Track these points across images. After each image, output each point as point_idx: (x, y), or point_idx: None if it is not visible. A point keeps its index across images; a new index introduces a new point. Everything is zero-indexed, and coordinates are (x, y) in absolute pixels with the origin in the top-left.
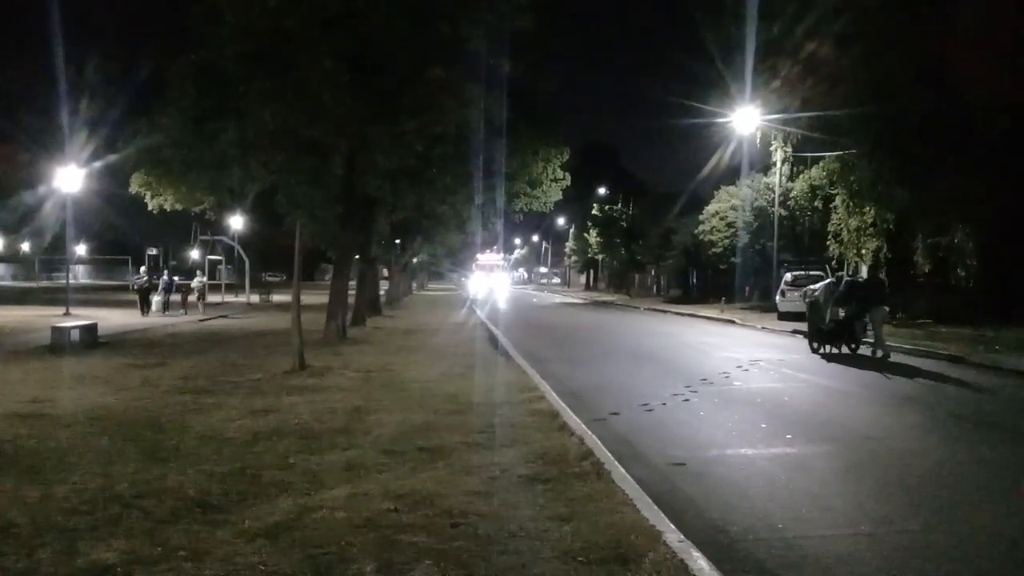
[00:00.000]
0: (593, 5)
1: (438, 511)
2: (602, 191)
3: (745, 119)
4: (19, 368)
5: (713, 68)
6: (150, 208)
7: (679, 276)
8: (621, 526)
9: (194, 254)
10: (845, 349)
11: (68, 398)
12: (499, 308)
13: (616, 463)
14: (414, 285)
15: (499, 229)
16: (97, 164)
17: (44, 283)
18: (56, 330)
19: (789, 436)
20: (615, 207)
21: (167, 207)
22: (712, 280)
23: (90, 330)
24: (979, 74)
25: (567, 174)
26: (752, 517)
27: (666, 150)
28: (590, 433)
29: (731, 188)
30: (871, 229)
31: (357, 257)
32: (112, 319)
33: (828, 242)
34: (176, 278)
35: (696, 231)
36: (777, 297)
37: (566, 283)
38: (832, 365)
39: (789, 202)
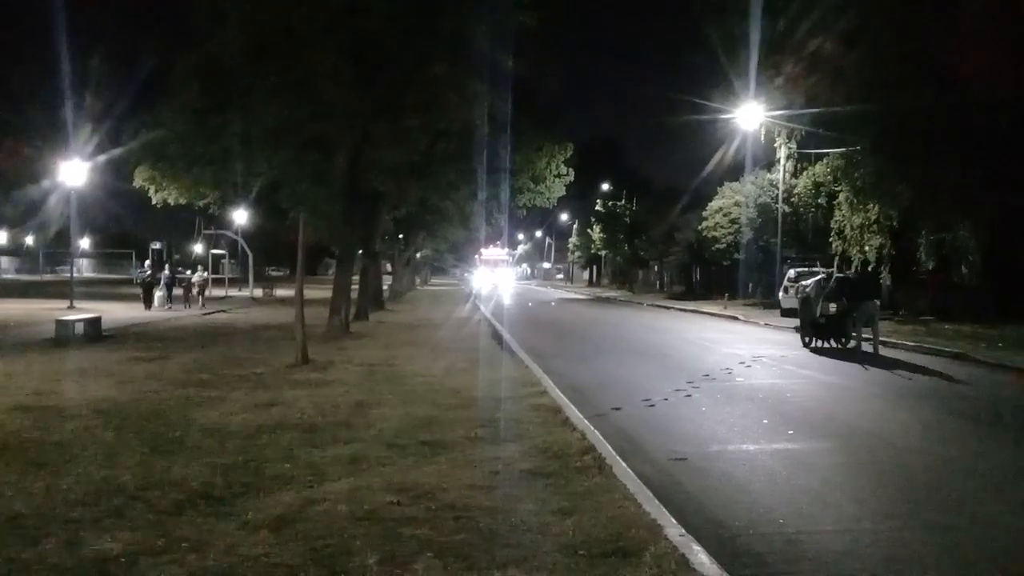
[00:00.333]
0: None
1: (440, 504)
2: (605, 187)
3: (749, 115)
4: (23, 361)
5: (717, 64)
6: (154, 202)
7: (682, 272)
8: (622, 520)
9: (197, 248)
10: (836, 344)
11: (72, 391)
12: (502, 304)
13: (618, 458)
14: (417, 280)
15: (502, 224)
16: (101, 158)
17: (48, 276)
18: (60, 323)
19: (791, 432)
20: (618, 203)
21: (171, 201)
22: (715, 276)
23: (94, 323)
24: (983, 71)
25: (570, 170)
26: (753, 512)
27: (670, 146)
28: (592, 428)
29: (734, 184)
30: (874, 226)
31: (360, 252)
32: (116, 313)
33: (831, 239)
34: (184, 270)
35: (699, 227)
36: (780, 294)
37: (569, 279)
38: (834, 361)
39: (792, 199)
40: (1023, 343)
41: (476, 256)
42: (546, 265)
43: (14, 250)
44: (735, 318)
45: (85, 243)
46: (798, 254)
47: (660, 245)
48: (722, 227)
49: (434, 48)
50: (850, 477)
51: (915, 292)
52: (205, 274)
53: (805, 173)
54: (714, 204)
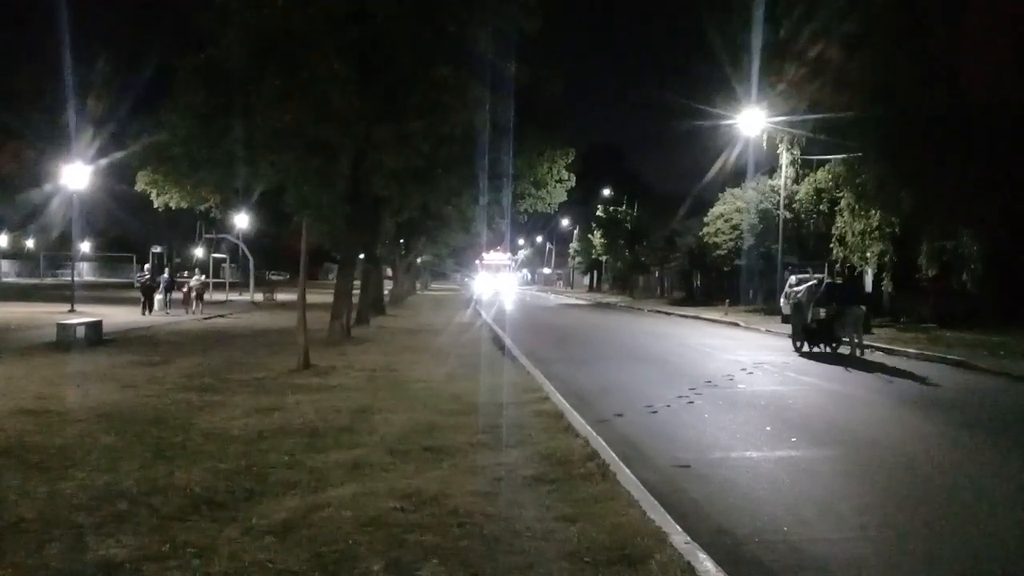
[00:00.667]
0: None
1: (444, 511)
2: (607, 192)
3: (751, 121)
4: (25, 364)
5: (719, 70)
6: (155, 206)
7: (682, 278)
8: (627, 527)
9: (198, 252)
10: (826, 348)
11: (74, 395)
12: (503, 309)
13: (621, 464)
14: (417, 285)
15: (503, 229)
16: (103, 161)
17: (48, 280)
18: (61, 327)
19: (794, 439)
20: (619, 208)
21: (172, 205)
22: (716, 282)
23: (95, 327)
24: (986, 78)
25: (572, 175)
26: (757, 520)
27: (671, 152)
28: (595, 434)
29: (736, 190)
30: (876, 232)
31: (361, 256)
32: (116, 317)
33: (832, 245)
34: (185, 274)
35: (700, 233)
36: (781, 300)
37: (569, 284)
38: (836, 369)
39: (794, 205)
40: None
41: (477, 261)
42: (546, 270)
43: (15, 253)
44: (736, 324)
45: (85, 246)
46: (799, 260)
47: (661, 251)
48: (723, 233)
49: (437, 52)
50: (854, 485)
51: (917, 299)
52: (203, 278)
53: (807, 179)
54: (715, 210)
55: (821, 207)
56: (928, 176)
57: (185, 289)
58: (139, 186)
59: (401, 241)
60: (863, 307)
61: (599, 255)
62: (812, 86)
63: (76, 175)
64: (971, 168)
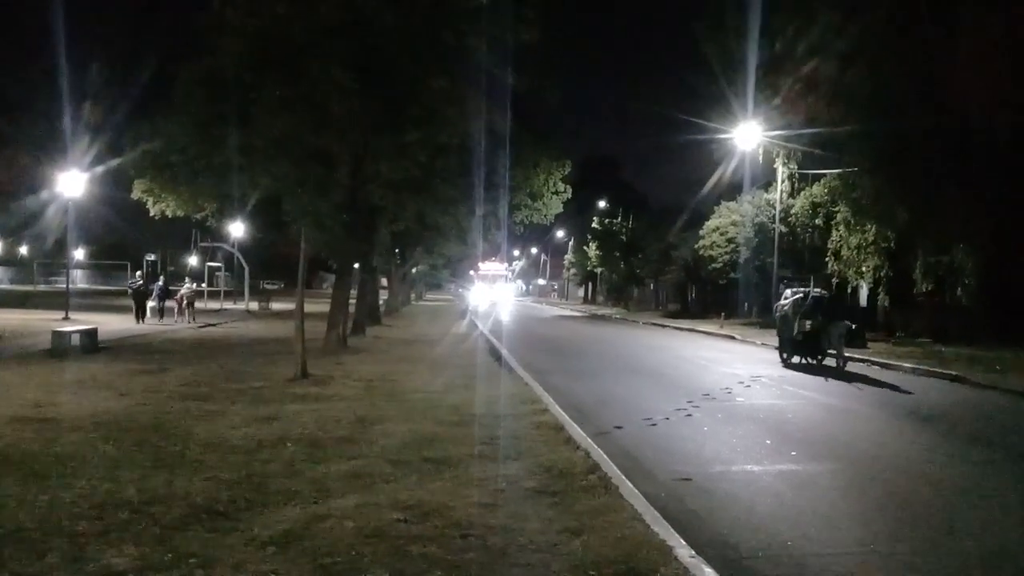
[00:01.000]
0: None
1: (447, 522)
2: (602, 204)
3: (747, 135)
4: (21, 372)
5: (716, 84)
6: (152, 214)
7: (678, 291)
8: (632, 541)
9: (192, 260)
10: (811, 359)
11: (71, 403)
12: (499, 320)
13: (623, 477)
14: (412, 295)
15: (499, 240)
16: (99, 169)
17: (42, 287)
18: (57, 334)
19: (794, 453)
20: (615, 220)
21: (168, 213)
22: (711, 295)
23: (90, 335)
24: (981, 94)
25: (568, 187)
26: (760, 534)
27: (667, 165)
28: (595, 447)
29: (732, 204)
30: (871, 247)
31: (358, 266)
32: (111, 324)
33: (828, 259)
34: (179, 282)
35: (696, 246)
36: (776, 314)
37: (564, 295)
38: (834, 382)
39: (790, 219)
40: (1020, 365)
41: (472, 272)
42: (541, 281)
43: (8, 260)
44: (732, 337)
45: (80, 254)
46: (795, 274)
47: (656, 263)
48: (719, 246)
49: (435, 62)
50: (856, 499)
51: (911, 313)
52: (194, 286)
53: (803, 193)
54: (711, 223)
55: (817, 221)
56: (923, 191)
57: (177, 297)
58: (136, 194)
59: (396, 251)
60: (847, 321)
61: (594, 267)
62: (808, 101)
63: (72, 182)
64: (965, 184)
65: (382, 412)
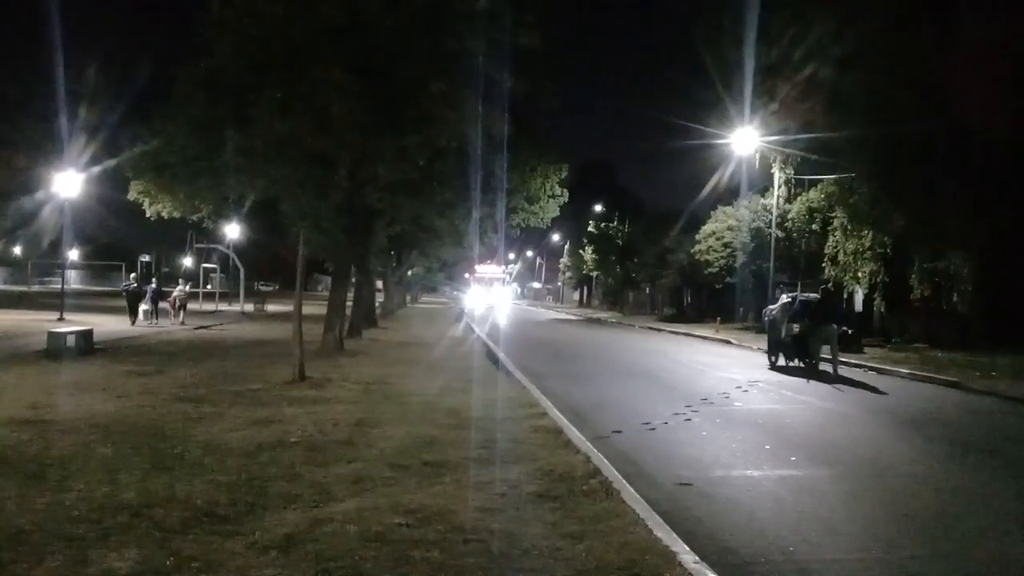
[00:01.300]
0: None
1: (449, 527)
2: (598, 208)
3: (744, 140)
4: (17, 373)
5: (713, 89)
6: (148, 215)
7: (673, 295)
8: (635, 546)
9: (187, 262)
10: (800, 363)
11: (68, 404)
12: (496, 324)
13: (624, 482)
14: (407, 298)
15: (495, 243)
16: (95, 169)
17: (36, 287)
18: (52, 336)
19: (794, 458)
20: (611, 224)
21: (164, 214)
22: (707, 300)
23: (86, 336)
24: (978, 100)
25: (565, 190)
26: (762, 539)
27: (664, 170)
28: (595, 451)
29: (728, 208)
30: (868, 253)
31: (354, 269)
32: (106, 325)
33: (824, 264)
34: (181, 285)
35: (692, 251)
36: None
37: (559, 299)
38: (831, 388)
39: (787, 224)
40: (1016, 372)
41: (467, 275)
42: (536, 285)
43: (2, 260)
44: (728, 342)
45: (74, 254)
46: (791, 279)
47: (652, 267)
48: (715, 251)
49: (434, 65)
50: (857, 505)
51: (907, 319)
52: (186, 288)
53: (799, 199)
54: (707, 228)
55: (813, 226)
56: (920, 197)
57: (169, 299)
58: (132, 195)
59: (392, 254)
60: (835, 324)
61: (590, 271)
62: (804, 106)
63: (68, 183)
64: (962, 190)
65: (380, 415)
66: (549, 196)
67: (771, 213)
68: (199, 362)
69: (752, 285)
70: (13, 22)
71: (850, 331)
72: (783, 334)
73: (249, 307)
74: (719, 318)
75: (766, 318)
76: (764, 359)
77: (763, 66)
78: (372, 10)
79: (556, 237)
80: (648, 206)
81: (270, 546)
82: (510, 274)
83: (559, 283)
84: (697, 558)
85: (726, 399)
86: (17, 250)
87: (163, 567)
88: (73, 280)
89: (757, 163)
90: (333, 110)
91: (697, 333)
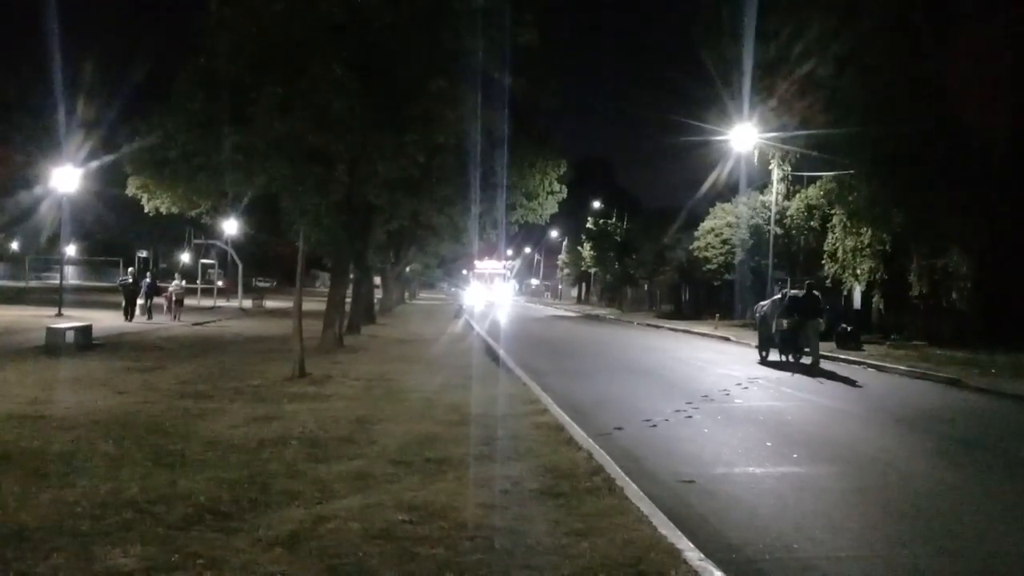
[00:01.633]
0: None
1: (453, 524)
2: (597, 205)
3: (742, 137)
4: (16, 369)
5: (711, 86)
6: (146, 211)
7: (672, 292)
8: (640, 543)
9: (185, 257)
10: (791, 358)
11: (68, 401)
12: (495, 320)
13: (627, 479)
14: (405, 295)
15: (494, 240)
16: (93, 164)
17: (34, 283)
18: (51, 331)
19: (795, 456)
20: (609, 221)
21: (163, 210)
22: (705, 297)
23: (85, 332)
24: (977, 97)
25: (564, 187)
26: (766, 536)
27: (662, 166)
28: (598, 448)
29: (727, 205)
30: (867, 250)
31: (353, 265)
32: (104, 321)
33: (823, 261)
34: (177, 280)
35: (691, 247)
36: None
37: (557, 296)
38: (832, 384)
39: (785, 220)
40: (1016, 369)
41: (465, 271)
42: (534, 281)
43: (1, 256)
44: (727, 339)
45: (72, 250)
46: (789, 276)
47: (651, 264)
48: (714, 247)
49: (434, 63)
50: (859, 502)
51: (906, 316)
52: (182, 283)
53: (798, 196)
54: (706, 224)
55: (812, 223)
56: (918, 195)
57: (165, 295)
58: (130, 190)
59: (390, 250)
60: (820, 320)
61: (588, 267)
62: (803, 103)
63: (65, 178)
64: (961, 187)
65: (381, 412)
66: (548, 193)
67: (770, 210)
68: (199, 358)
69: (751, 282)
70: (11, 19)
71: (849, 328)
72: (773, 329)
73: (247, 303)
74: (718, 315)
75: (757, 314)
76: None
77: (762, 63)
78: (371, 7)
79: (554, 234)
80: (646, 203)
81: (274, 543)
82: (511, 270)
83: (557, 279)
84: (702, 555)
85: (726, 396)
86: (15, 245)
87: (168, 564)
88: (71, 276)
89: (756, 160)
90: (333, 107)
91: (696, 330)
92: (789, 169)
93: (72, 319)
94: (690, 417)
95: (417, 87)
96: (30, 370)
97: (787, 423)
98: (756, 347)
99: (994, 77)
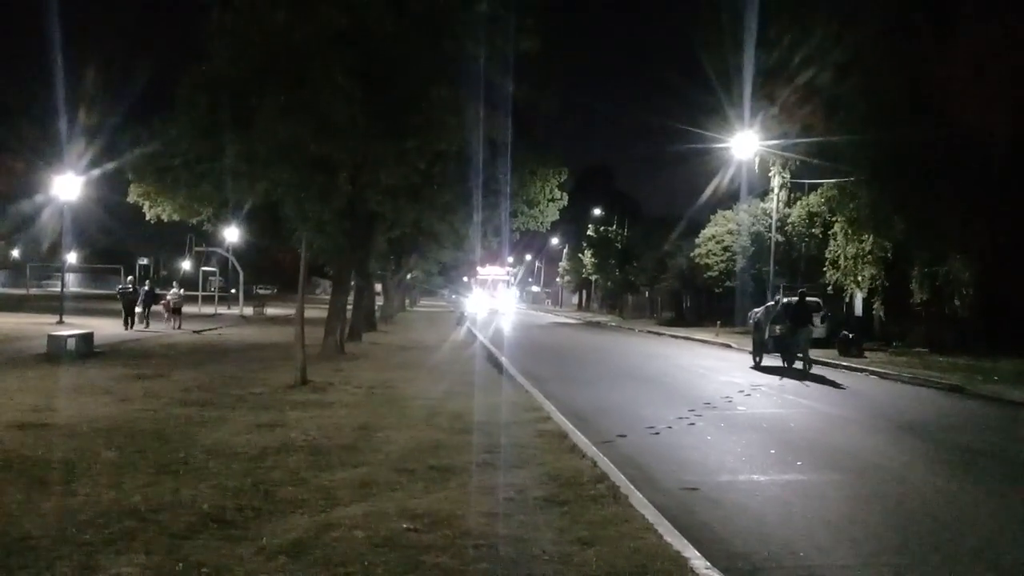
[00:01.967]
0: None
1: (457, 532)
2: (598, 212)
3: (743, 144)
4: (17, 377)
5: (712, 93)
6: (148, 218)
7: (673, 299)
8: (645, 551)
9: (186, 265)
10: (783, 363)
11: (71, 408)
12: (498, 328)
13: (632, 487)
14: (406, 302)
15: (495, 247)
16: (95, 172)
17: (34, 291)
18: (52, 339)
19: (799, 463)
20: (611, 228)
21: (164, 218)
22: (706, 304)
23: (86, 339)
24: (978, 104)
25: (564, 194)
26: (772, 545)
27: (663, 173)
28: (601, 455)
29: (728, 212)
30: (868, 256)
31: (354, 272)
32: (105, 329)
33: (825, 268)
34: (179, 289)
35: (692, 254)
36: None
37: (558, 303)
38: (834, 392)
39: (786, 227)
40: (1019, 376)
41: (466, 278)
42: (535, 288)
43: (1, 264)
44: (728, 346)
45: (73, 257)
46: (790, 283)
47: (651, 271)
48: (715, 255)
49: (435, 70)
50: (864, 510)
51: (908, 323)
52: (181, 291)
53: (799, 203)
54: (707, 232)
55: (814, 230)
56: (920, 201)
57: (164, 302)
58: (132, 197)
59: (392, 257)
60: (811, 327)
61: (589, 274)
62: (804, 110)
63: (67, 186)
64: (963, 194)
65: (384, 419)
66: (549, 200)
67: (771, 217)
68: (200, 366)
69: (752, 289)
70: (13, 26)
71: (851, 335)
72: (766, 335)
73: (248, 310)
74: (719, 322)
75: (751, 320)
76: (765, 362)
77: (762, 70)
78: (373, 16)
79: (555, 240)
80: (647, 210)
81: (279, 551)
82: (515, 275)
83: (558, 286)
84: (708, 564)
85: (729, 403)
86: (16, 253)
87: (172, 573)
88: (72, 283)
89: (757, 167)
90: (336, 115)
91: (697, 337)
92: (788, 176)
93: (73, 327)
94: (693, 424)
95: (419, 94)
96: (32, 378)
97: (790, 430)
98: (751, 352)
99: (995, 83)
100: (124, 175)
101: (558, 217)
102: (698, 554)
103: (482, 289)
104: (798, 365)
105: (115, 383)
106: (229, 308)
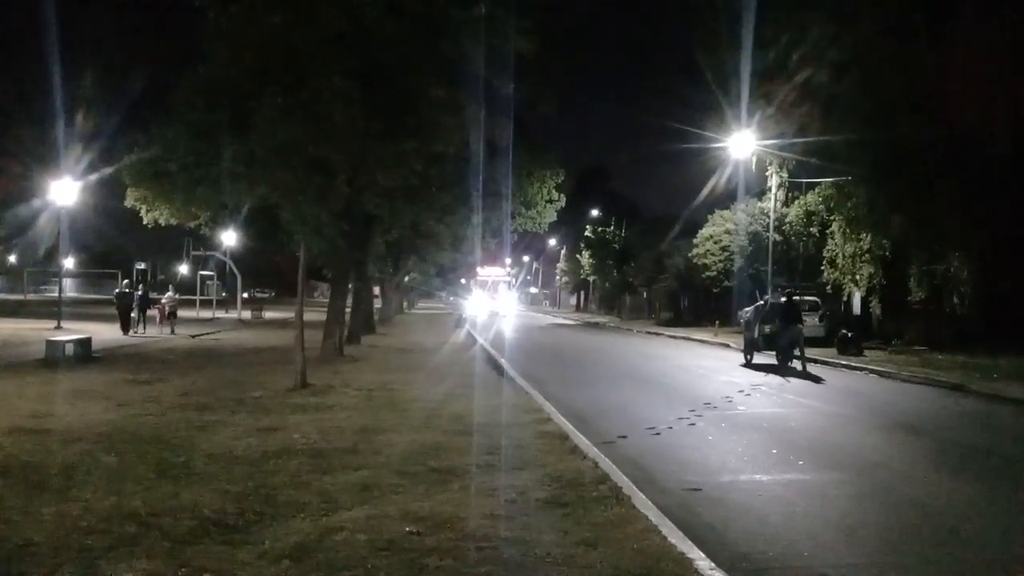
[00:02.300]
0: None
1: (460, 534)
2: (595, 213)
3: (741, 144)
4: (16, 382)
5: (709, 93)
6: (145, 222)
7: (671, 299)
8: (650, 552)
9: (183, 269)
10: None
11: (70, 413)
12: (499, 330)
13: (635, 488)
14: (404, 304)
15: (493, 248)
16: (92, 177)
17: (32, 296)
18: (50, 344)
19: (801, 463)
20: (608, 229)
21: (162, 222)
22: (705, 304)
23: (84, 344)
24: (975, 103)
25: (562, 196)
26: (776, 545)
27: (660, 174)
28: (603, 456)
29: (725, 212)
30: (866, 255)
31: (352, 275)
32: (103, 334)
33: (823, 267)
34: (171, 292)
35: (690, 254)
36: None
37: (556, 304)
38: (835, 391)
39: (784, 227)
40: (1018, 374)
41: (463, 280)
42: (533, 290)
43: None
44: (727, 346)
45: (69, 262)
46: (788, 282)
47: (649, 272)
48: (712, 254)
49: (433, 71)
50: (868, 510)
51: (907, 322)
52: (176, 296)
53: (797, 202)
54: (705, 231)
55: (811, 229)
56: (918, 200)
57: (159, 307)
58: (129, 202)
59: (389, 260)
60: (800, 326)
61: (587, 275)
62: (801, 110)
63: (64, 190)
64: (961, 193)
65: (384, 422)
66: (546, 201)
67: (768, 217)
68: (199, 370)
69: (750, 289)
70: (9, 29)
71: (850, 334)
72: (756, 334)
73: (246, 314)
74: (717, 322)
75: (741, 320)
76: (764, 361)
77: (760, 70)
78: (371, 17)
79: (553, 242)
80: (644, 210)
81: (281, 556)
82: (515, 276)
83: (556, 287)
84: (713, 564)
85: (729, 403)
86: (13, 258)
87: None
88: (69, 288)
89: (754, 167)
90: (334, 117)
91: (696, 337)
92: (785, 176)
93: (71, 332)
94: (693, 425)
95: (417, 95)
96: (30, 383)
97: (791, 430)
98: (741, 350)
99: (992, 82)
100: (121, 179)
101: (556, 218)
102: (703, 555)
103: (482, 290)
104: (797, 365)
105: (114, 388)
106: (227, 312)
